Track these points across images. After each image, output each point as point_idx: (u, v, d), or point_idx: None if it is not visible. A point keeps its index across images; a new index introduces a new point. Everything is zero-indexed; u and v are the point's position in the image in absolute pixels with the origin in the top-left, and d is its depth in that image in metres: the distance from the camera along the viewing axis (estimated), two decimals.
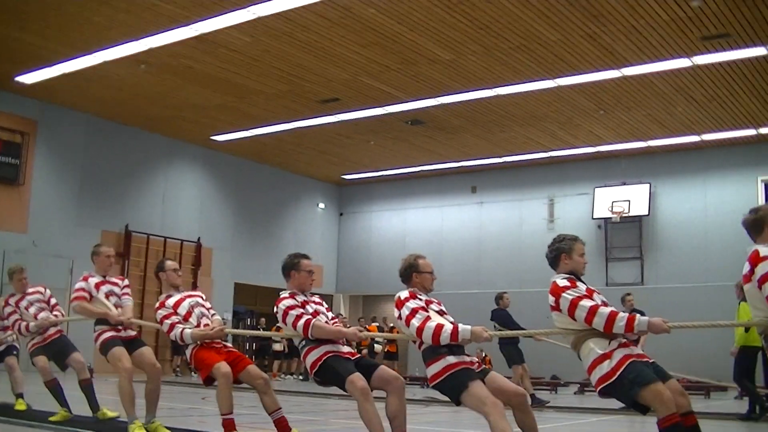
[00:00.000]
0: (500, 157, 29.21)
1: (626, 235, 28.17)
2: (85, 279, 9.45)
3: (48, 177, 25.04)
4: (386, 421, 7.11)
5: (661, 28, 17.50)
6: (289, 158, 31.25)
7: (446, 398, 6.82)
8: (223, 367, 8.02)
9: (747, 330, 13.64)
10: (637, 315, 6.35)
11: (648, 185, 27.72)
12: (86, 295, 9.29)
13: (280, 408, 7.99)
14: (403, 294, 7.24)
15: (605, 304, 6.51)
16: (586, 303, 6.45)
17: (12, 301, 10.96)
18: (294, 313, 7.68)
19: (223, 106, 24.51)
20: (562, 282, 6.67)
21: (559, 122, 24.80)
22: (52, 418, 9.66)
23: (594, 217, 28.61)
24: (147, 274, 27.29)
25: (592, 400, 17.28)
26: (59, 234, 25.08)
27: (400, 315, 7.13)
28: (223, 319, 28.18)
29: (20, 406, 10.89)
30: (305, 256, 8.16)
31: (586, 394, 20.78)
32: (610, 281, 27.73)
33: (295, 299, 7.84)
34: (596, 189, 28.64)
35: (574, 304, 6.47)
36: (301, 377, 27.38)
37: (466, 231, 31.81)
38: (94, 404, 9.84)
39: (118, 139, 26.98)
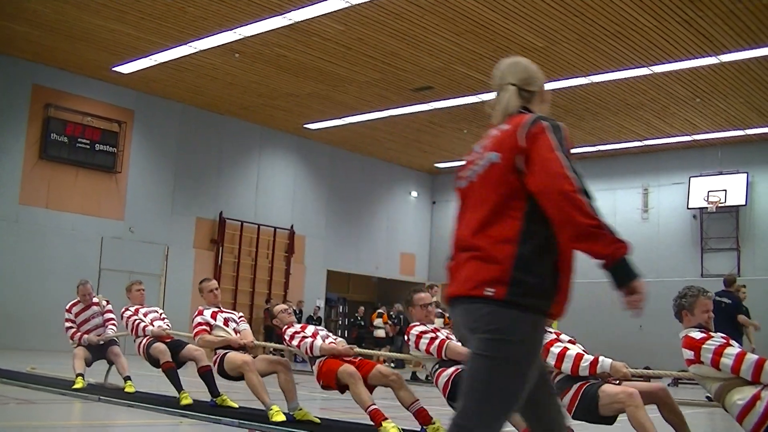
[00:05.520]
0: (594, 145, 28.85)
1: (722, 226, 27.65)
2: (200, 313, 9.82)
3: (144, 165, 25.48)
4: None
5: (760, 12, 17.06)
6: (381, 147, 31.30)
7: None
8: (347, 368, 8.05)
9: None
10: None
11: (745, 175, 27.13)
12: (206, 327, 9.67)
13: (418, 400, 7.90)
14: None
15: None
16: (732, 351, 6.21)
17: (131, 308, 11.55)
18: (427, 336, 7.73)
19: (315, 94, 24.63)
20: (697, 335, 6.42)
21: (654, 110, 24.43)
22: (181, 402, 9.73)
23: (689, 207, 28.13)
24: (240, 261, 27.63)
25: (686, 392, 17.05)
26: (154, 221, 25.53)
27: None
28: (317, 307, 28.66)
29: (129, 388, 11.19)
30: (418, 290, 8.25)
31: (680, 386, 20.48)
32: (705, 272, 27.29)
33: (425, 326, 7.90)
34: (692, 178, 28.13)
35: (718, 353, 6.21)
36: (392, 364, 27.42)
37: None
38: (214, 390, 9.90)
39: (212, 128, 27.31)
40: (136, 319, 11.21)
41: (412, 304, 8.07)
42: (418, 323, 7.93)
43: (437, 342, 7.62)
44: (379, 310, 27.51)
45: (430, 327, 7.88)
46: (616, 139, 27.93)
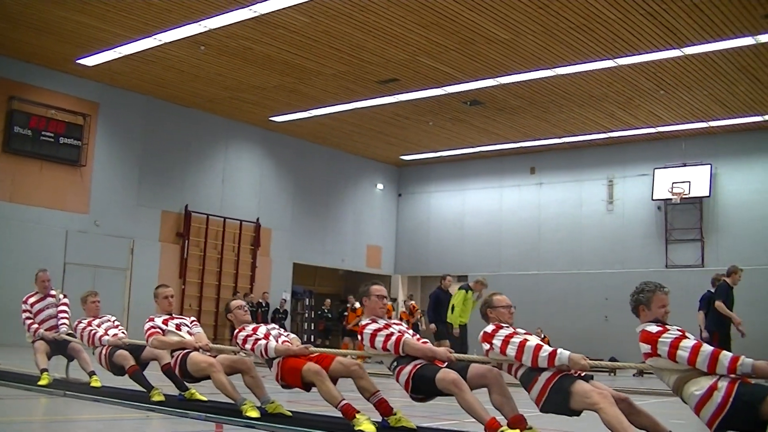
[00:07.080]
0: (559, 137, 29.02)
1: (686, 217, 27.85)
2: (151, 320, 9.63)
3: (109, 158, 25.32)
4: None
5: (723, 6, 17.22)
6: (347, 139, 31.29)
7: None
8: (312, 366, 7.93)
9: (452, 311, 18.22)
10: (741, 356, 6.02)
11: (709, 166, 27.34)
12: (158, 330, 9.50)
13: (379, 390, 7.76)
14: (489, 328, 7.21)
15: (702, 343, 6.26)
16: (688, 343, 6.23)
17: (85, 321, 11.43)
18: (382, 333, 7.66)
19: (281, 87, 24.59)
20: (653, 329, 6.44)
21: (619, 102, 24.56)
22: (153, 399, 9.63)
23: (654, 198, 28.32)
24: (206, 254, 27.53)
25: (651, 382, 17.15)
26: (120, 214, 25.38)
27: (492, 346, 7.06)
28: (283, 300, 28.59)
29: (95, 383, 11.01)
30: (376, 282, 8.16)
31: (645, 376, 20.61)
32: (670, 263, 27.50)
33: (377, 323, 7.81)
34: (656, 170, 28.33)
35: (674, 346, 6.24)
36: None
37: (524, 212, 31.62)
38: (181, 384, 9.81)
39: (178, 121, 27.20)
40: (91, 330, 11.11)
41: (368, 294, 7.99)
42: (369, 321, 7.85)
43: (393, 338, 7.55)
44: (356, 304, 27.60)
45: (382, 323, 7.81)
46: (581, 131, 28.07)
